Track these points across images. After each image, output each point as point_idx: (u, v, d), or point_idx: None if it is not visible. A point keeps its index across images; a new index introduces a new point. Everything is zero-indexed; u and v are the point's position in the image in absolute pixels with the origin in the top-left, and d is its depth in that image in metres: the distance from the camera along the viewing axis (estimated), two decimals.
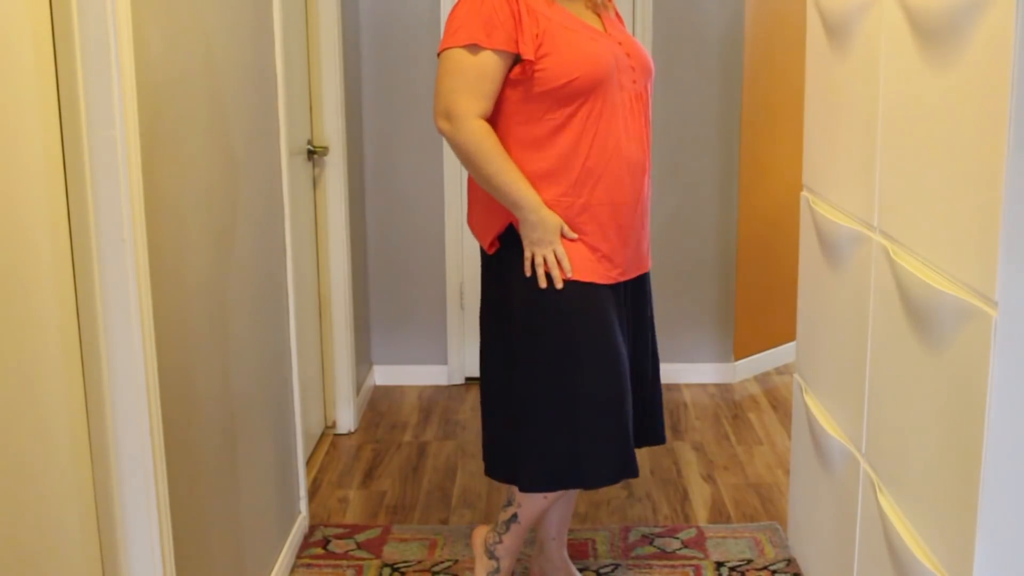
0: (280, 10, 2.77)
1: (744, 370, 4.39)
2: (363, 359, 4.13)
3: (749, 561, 2.88)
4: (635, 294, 2.42)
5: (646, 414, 2.49)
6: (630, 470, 2.34)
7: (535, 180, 2.23)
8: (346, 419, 3.83)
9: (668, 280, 4.23)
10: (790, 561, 2.87)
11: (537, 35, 2.18)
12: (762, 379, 4.41)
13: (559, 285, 2.24)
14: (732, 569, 2.84)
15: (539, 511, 2.45)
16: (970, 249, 1.66)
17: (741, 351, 4.36)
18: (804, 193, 2.69)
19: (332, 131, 3.61)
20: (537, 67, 2.19)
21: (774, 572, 2.82)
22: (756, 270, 4.31)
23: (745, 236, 4.25)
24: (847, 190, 2.31)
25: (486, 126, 2.22)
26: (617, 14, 2.42)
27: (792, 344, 3.74)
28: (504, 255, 2.32)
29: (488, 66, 2.19)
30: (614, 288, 2.31)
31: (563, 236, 2.24)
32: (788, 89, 3.99)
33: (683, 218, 4.21)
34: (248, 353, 2.49)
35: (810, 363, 2.67)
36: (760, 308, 4.36)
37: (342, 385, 3.79)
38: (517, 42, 2.18)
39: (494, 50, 2.18)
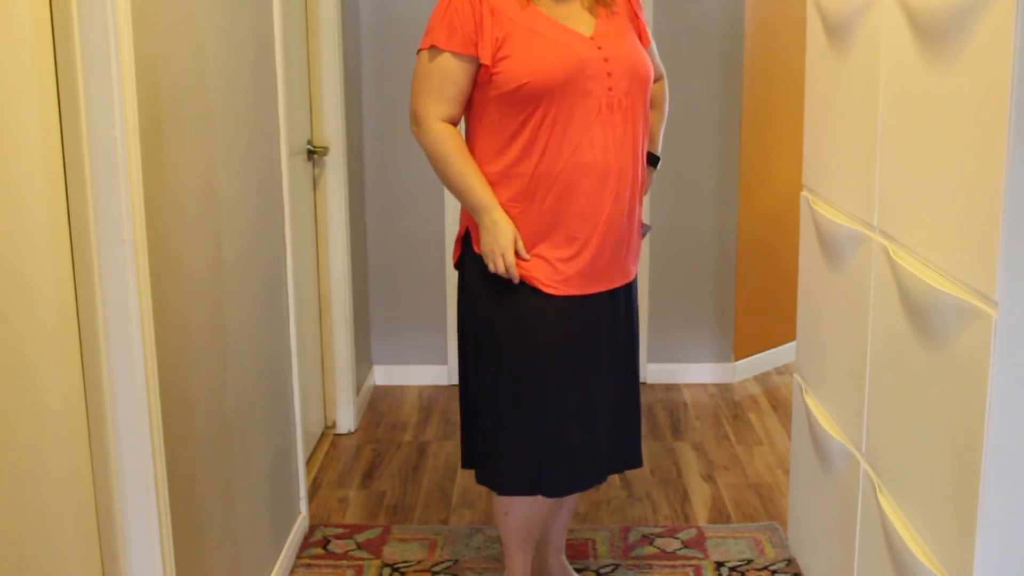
0: (280, 10, 2.76)
1: (744, 370, 4.39)
2: (363, 359, 4.13)
3: (749, 561, 2.88)
4: (610, 309, 2.34)
5: (620, 435, 2.43)
6: (584, 482, 2.35)
7: (492, 183, 2.23)
8: (346, 419, 3.83)
9: (668, 280, 4.23)
10: (790, 561, 2.87)
11: (497, 38, 2.17)
12: (762, 379, 4.41)
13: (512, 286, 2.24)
14: (732, 569, 2.84)
15: (502, 516, 2.47)
16: (970, 249, 1.66)
17: (741, 351, 4.36)
18: (804, 193, 2.69)
19: (332, 131, 3.61)
20: (494, 71, 2.18)
21: (774, 572, 2.82)
22: (756, 270, 4.31)
23: (745, 236, 4.25)
24: (847, 190, 2.31)
25: (449, 129, 2.23)
26: (634, 15, 2.34)
27: (792, 344, 3.74)
28: (463, 262, 2.35)
29: (449, 69, 2.20)
30: (574, 299, 2.26)
31: (517, 254, 2.22)
32: (788, 89, 3.99)
33: (683, 218, 4.21)
34: (248, 353, 2.49)
35: (810, 363, 2.67)
36: (760, 308, 4.36)
37: (342, 385, 3.79)
38: (476, 45, 2.17)
39: (453, 52, 2.18)
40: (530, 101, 2.17)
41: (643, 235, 2.41)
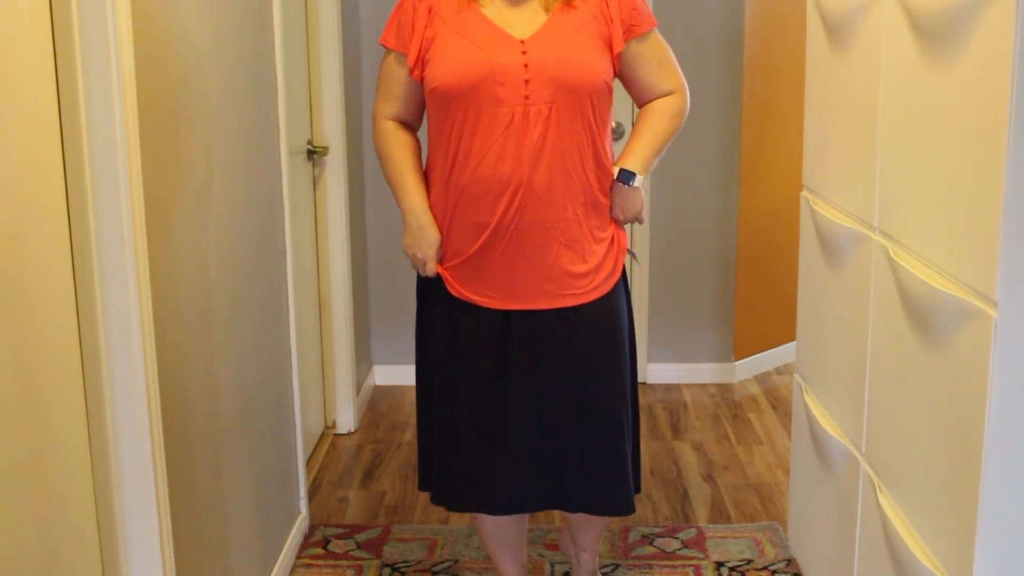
0: (280, 10, 2.76)
1: (744, 370, 4.39)
2: (363, 359, 4.13)
3: (749, 561, 2.88)
4: (535, 331, 2.20)
5: (563, 471, 2.25)
6: (444, 499, 2.34)
7: (432, 187, 2.24)
8: (346, 419, 3.83)
9: (668, 280, 4.23)
10: (790, 561, 2.87)
11: (427, 39, 2.14)
12: (762, 379, 4.41)
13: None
14: (732, 569, 2.84)
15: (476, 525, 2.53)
16: (970, 249, 1.66)
17: (741, 351, 4.36)
18: (804, 193, 2.69)
19: (332, 131, 3.61)
20: (422, 73, 2.16)
21: (774, 572, 2.82)
22: (756, 270, 4.31)
23: (745, 236, 4.25)
24: (847, 190, 2.31)
25: (392, 127, 2.26)
26: (608, 19, 2.14)
27: (792, 344, 3.74)
28: None
29: (393, 68, 2.22)
30: (470, 307, 2.21)
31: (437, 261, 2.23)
32: (788, 89, 3.99)
33: (683, 218, 4.21)
34: (248, 353, 2.49)
35: (810, 363, 2.67)
36: (760, 308, 4.36)
37: (342, 385, 3.79)
38: (409, 45, 2.17)
39: (397, 53, 2.20)
40: (442, 106, 2.14)
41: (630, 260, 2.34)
